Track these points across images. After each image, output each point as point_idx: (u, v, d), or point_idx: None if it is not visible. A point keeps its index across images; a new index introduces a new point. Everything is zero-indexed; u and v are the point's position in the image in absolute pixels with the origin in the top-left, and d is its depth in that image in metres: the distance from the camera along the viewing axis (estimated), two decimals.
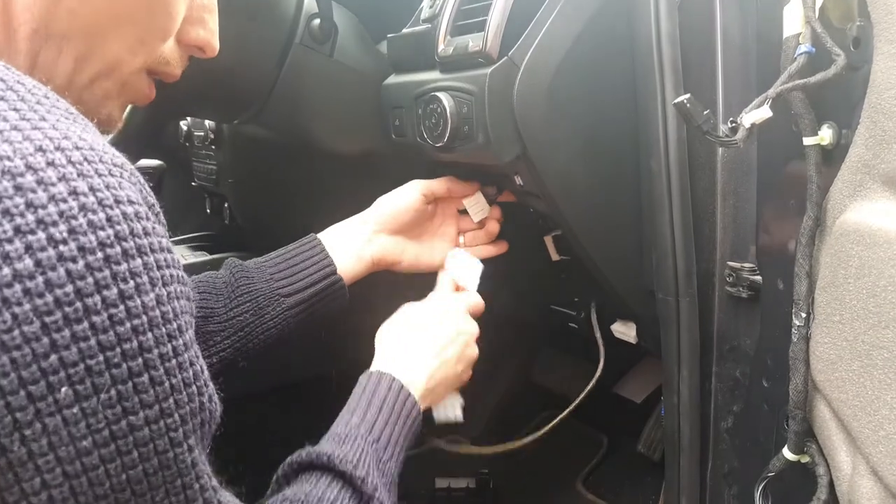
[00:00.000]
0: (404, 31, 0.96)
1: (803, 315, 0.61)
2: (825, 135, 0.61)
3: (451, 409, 0.90)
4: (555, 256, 1.08)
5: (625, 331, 1.04)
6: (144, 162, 1.45)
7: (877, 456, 0.54)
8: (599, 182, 0.87)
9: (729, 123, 0.55)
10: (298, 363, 1.37)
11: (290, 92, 0.95)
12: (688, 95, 0.55)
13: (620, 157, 0.87)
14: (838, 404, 0.59)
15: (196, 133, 1.35)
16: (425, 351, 0.83)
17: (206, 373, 0.45)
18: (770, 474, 0.67)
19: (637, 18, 0.82)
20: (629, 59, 0.84)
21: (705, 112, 0.55)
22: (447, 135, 0.85)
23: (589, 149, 0.85)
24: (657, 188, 0.83)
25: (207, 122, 1.29)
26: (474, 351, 0.89)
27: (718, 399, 0.88)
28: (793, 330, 0.63)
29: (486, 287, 0.98)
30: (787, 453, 0.65)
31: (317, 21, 0.94)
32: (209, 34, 0.60)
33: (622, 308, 1.02)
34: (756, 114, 0.55)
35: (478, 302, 0.94)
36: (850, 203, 0.58)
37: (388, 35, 0.98)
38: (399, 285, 1.02)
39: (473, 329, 0.90)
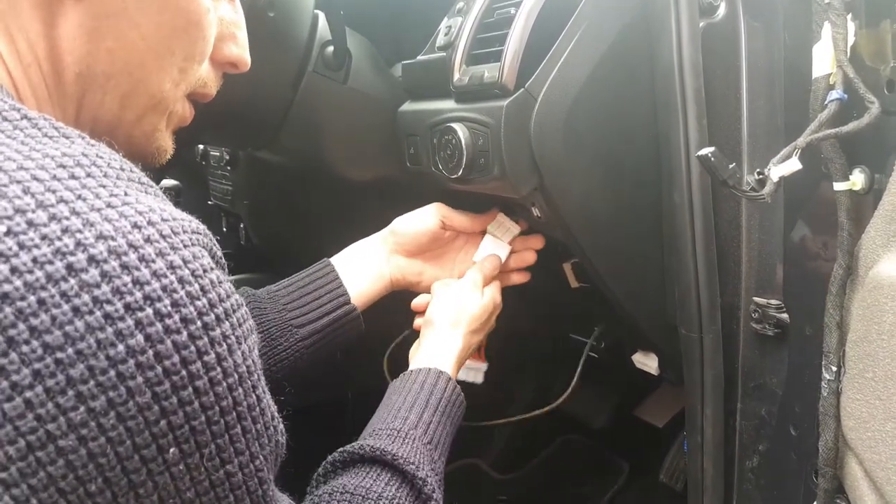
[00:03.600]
0: (419, 58, 0.94)
1: (834, 369, 0.58)
2: (857, 179, 0.58)
3: (476, 375, 1.01)
4: (574, 283, 1.05)
5: (646, 362, 1.01)
6: (163, 182, 1.45)
7: None
8: (619, 214, 0.85)
9: (756, 175, 0.53)
10: (315, 386, 1.36)
11: (304, 119, 0.94)
12: (712, 149, 0.53)
13: (641, 189, 0.85)
14: (870, 465, 0.56)
15: (212, 153, 1.35)
16: (465, 346, 0.88)
17: (276, 410, 0.48)
18: None
19: (658, 45, 0.79)
20: (650, 88, 0.81)
21: (731, 166, 0.53)
22: (462, 166, 0.83)
23: (608, 181, 0.83)
24: (679, 220, 0.81)
25: None
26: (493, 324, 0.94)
27: (743, 438, 0.85)
28: (822, 383, 0.60)
29: (504, 313, 0.96)
30: None
31: (330, 48, 0.92)
32: (241, 49, 0.61)
33: (643, 340, 0.99)
34: (784, 167, 0.52)
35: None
36: (884, 253, 0.55)
37: (403, 62, 0.96)
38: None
39: (496, 311, 0.94)
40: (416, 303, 0.95)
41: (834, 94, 0.53)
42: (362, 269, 0.93)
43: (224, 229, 1.49)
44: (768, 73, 0.76)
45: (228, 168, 1.30)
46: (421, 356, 0.85)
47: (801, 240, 0.72)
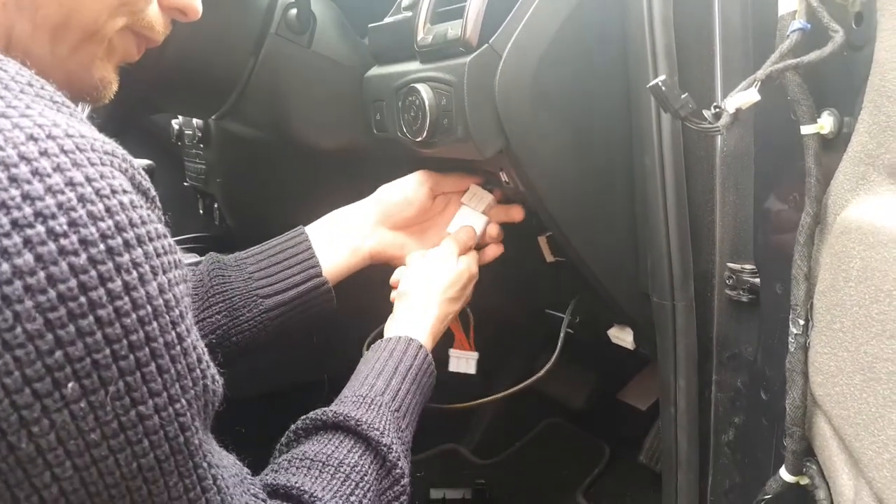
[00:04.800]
0: (385, 19, 0.91)
1: (801, 322, 0.55)
2: (825, 123, 0.55)
3: (468, 364, 1.00)
4: (549, 258, 1.02)
5: (622, 336, 0.98)
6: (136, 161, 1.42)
7: (881, 481, 0.48)
8: (590, 179, 0.82)
9: (712, 109, 0.50)
10: (291, 368, 1.33)
11: (267, 85, 0.91)
12: (662, 77, 0.50)
13: (612, 152, 0.82)
14: (839, 421, 0.53)
15: (186, 132, 1.32)
16: (441, 315, 0.84)
17: (206, 353, 0.45)
18: (767, 496, 0.61)
19: (628, 1, 0.76)
20: (620, 45, 0.79)
21: (683, 96, 0.50)
22: (426, 128, 0.80)
23: (577, 143, 0.80)
24: (651, 185, 0.78)
25: (195, 120, 1.26)
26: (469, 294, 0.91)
27: (719, 410, 0.82)
28: (790, 339, 0.57)
29: (479, 291, 0.93)
30: (784, 474, 0.59)
31: (294, 10, 0.89)
32: None
33: (618, 312, 0.96)
34: (742, 97, 0.49)
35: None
36: (853, 198, 0.52)
37: (370, 25, 0.93)
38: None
39: (472, 280, 0.91)
40: (396, 278, 0.91)
41: (796, 24, 0.50)
42: (340, 240, 0.89)
43: (200, 211, 1.46)
44: (742, 27, 0.73)
45: (201, 146, 1.27)
46: (394, 327, 0.82)
47: (772, 196, 0.69)
